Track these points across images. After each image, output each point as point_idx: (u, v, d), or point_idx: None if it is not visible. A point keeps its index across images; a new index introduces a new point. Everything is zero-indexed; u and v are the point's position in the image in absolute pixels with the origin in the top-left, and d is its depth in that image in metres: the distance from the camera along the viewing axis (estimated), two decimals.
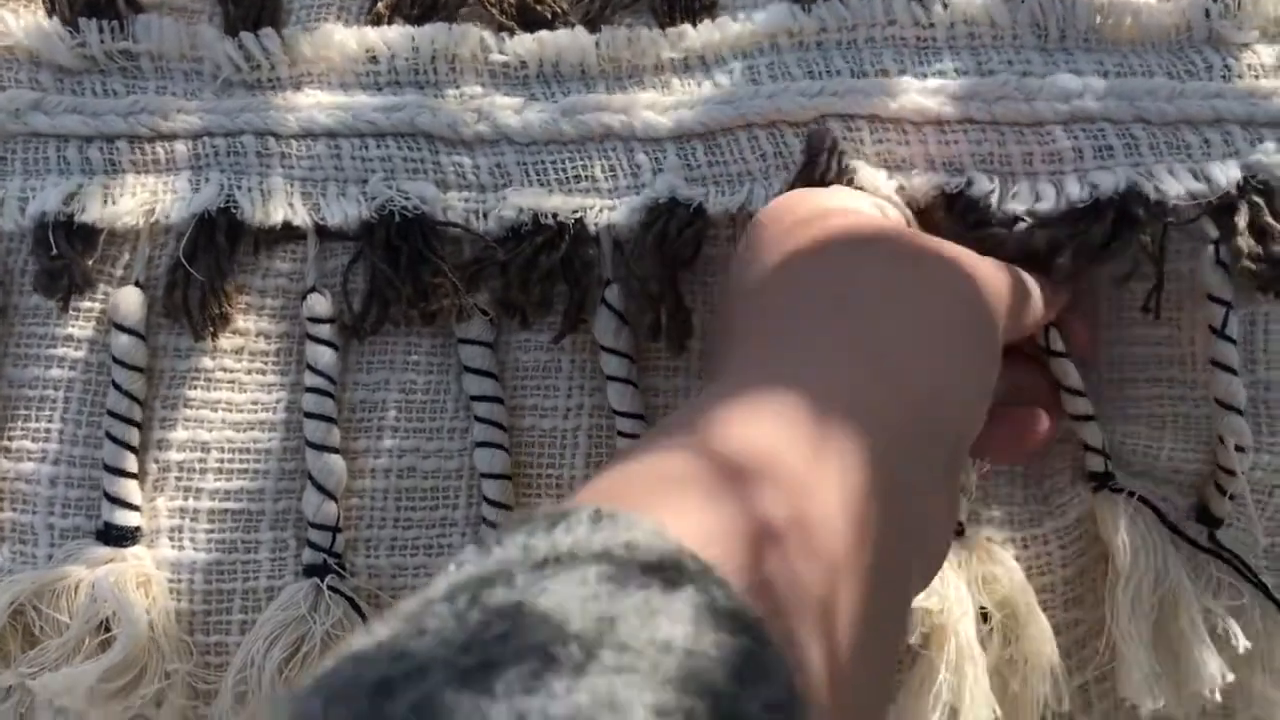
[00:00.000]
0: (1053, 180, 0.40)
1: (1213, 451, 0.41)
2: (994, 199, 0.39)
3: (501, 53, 0.42)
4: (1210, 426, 0.41)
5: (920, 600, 0.38)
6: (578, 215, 0.40)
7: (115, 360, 0.39)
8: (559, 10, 0.43)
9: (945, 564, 0.36)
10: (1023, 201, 0.39)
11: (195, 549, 0.39)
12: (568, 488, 0.40)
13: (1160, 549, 0.40)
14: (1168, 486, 0.42)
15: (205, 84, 0.42)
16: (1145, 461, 0.42)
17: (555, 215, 0.40)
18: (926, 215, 0.40)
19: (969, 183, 0.40)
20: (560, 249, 0.40)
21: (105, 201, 0.40)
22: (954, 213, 0.40)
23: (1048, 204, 0.39)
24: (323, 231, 0.40)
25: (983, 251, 0.37)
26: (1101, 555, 0.41)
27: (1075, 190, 0.40)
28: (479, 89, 0.42)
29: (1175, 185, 0.40)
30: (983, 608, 0.40)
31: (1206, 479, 0.42)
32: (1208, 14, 0.41)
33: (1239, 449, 0.40)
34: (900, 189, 0.40)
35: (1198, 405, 0.41)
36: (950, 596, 0.39)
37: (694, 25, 0.43)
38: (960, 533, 0.40)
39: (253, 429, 0.40)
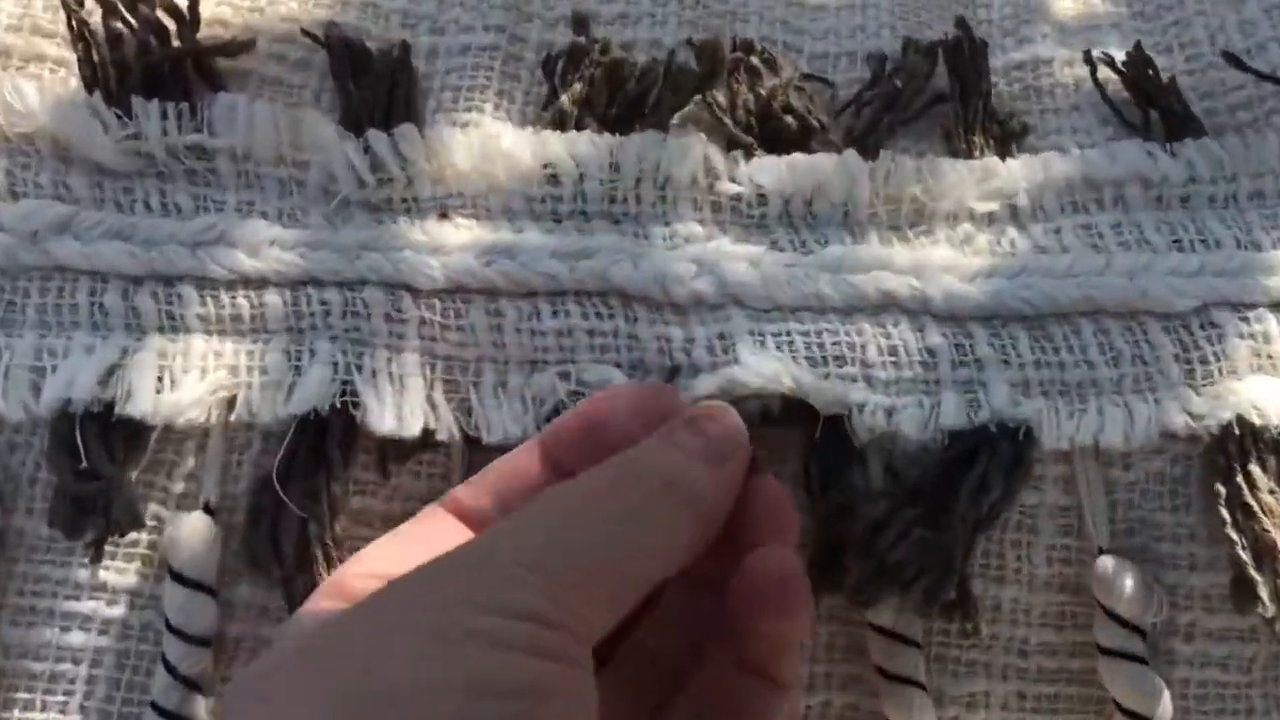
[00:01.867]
0: None
1: None
2: None
3: (733, 180, 0.30)
4: None
5: None
6: (837, 411, 0.27)
7: (169, 626, 0.26)
8: (816, 124, 0.30)
9: None
10: None
11: None
12: None
13: None
14: None
15: (311, 202, 0.29)
16: None
17: (804, 400, 0.27)
18: None
19: None
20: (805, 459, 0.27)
21: (161, 382, 0.27)
22: None
23: None
24: (476, 446, 0.27)
25: None
26: None
27: None
28: (700, 229, 0.29)
29: None
30: None
31: None
32: None
33: None
34: None
35: None
36: None
37: (1003, 158, 0.31)
38: None
39: None
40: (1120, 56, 0.32)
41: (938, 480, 0.27)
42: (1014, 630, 0.29)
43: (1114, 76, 0.32)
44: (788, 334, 0.29)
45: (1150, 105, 0.32)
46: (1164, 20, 0.34)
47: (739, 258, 0.30)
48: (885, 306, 0.29)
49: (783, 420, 0.28)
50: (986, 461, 0.28)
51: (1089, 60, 0.32)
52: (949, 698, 0.29)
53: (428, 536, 0.23)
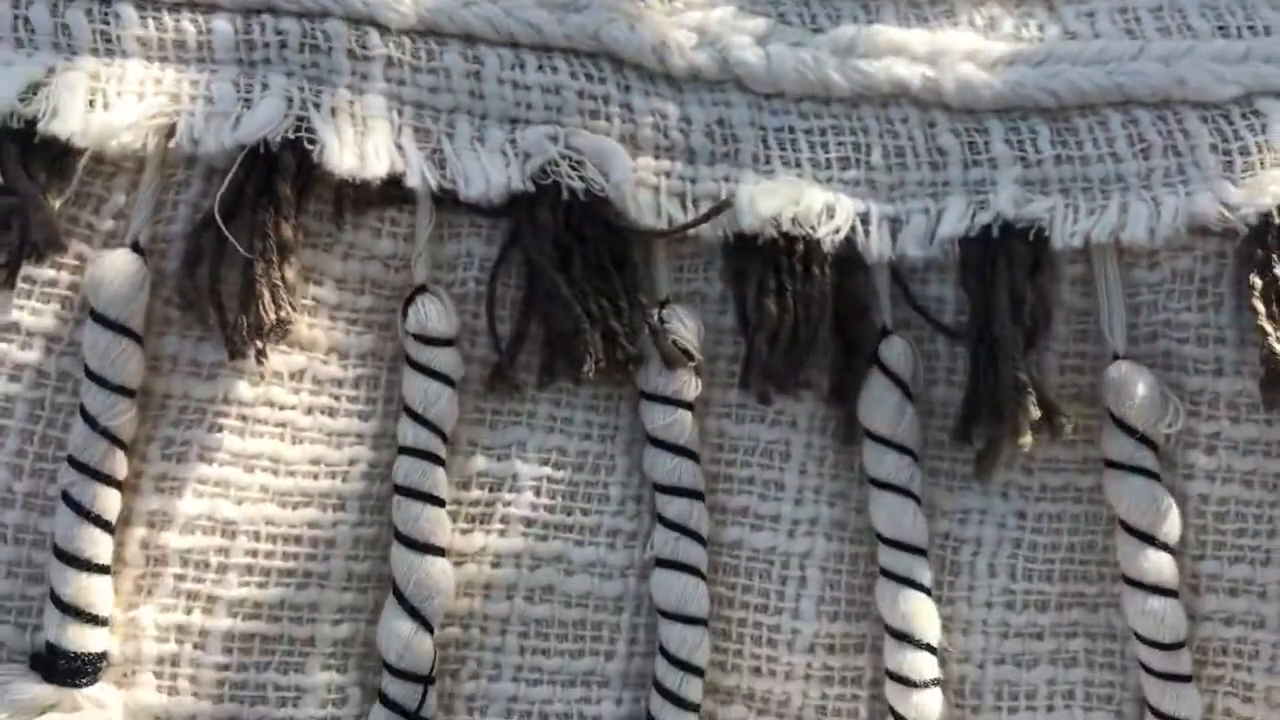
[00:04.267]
0: None
1: None
2: None
3: None
4: None
5: None
6: (843, 232, 0.25)
7: (89, 373, 0.23)
8: None
9: None
10: None
11: (199, 694, 0.24)
12: (786, 646, 0.26)
13: None
14: None
15: None
16: None
17: (813, 228, 0.25)
18: None
19: None
20: (819, 280, 0.25)
21: (92, 104, 0.24)
22: None
23: None
24: (446, 198, 0.25)
25: None
26: None
27: None
28: None
29: None
30: None
31: None
32: None
33: None
34: None
35: None
36: None
37: None
38: None
39: (309, 505, 0.25)
40: None
41: (979, 291, 0.25)
42: (1031, 451, 0.27)
43: None
44: (790, 130, 0.27)
45: None
46: None
47: (744, 31, 0.27)
48: (895, 97, 0.27)
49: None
50: (1009, 269, 0.25)
51: None
52: (940, 511, 0.27)
53: None
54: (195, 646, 0.25)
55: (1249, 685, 0.27)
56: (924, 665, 0.26)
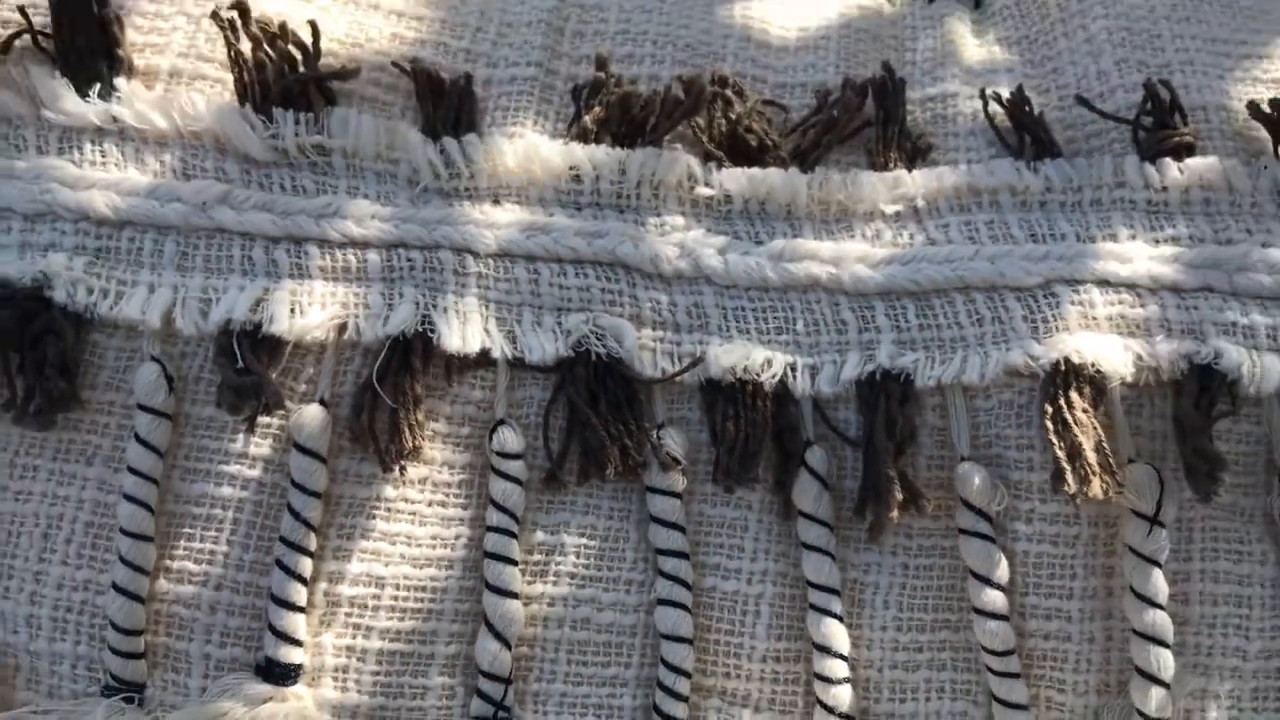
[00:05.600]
0: None
1: None
2: (1243, 372, 0.37)
3: (708, 185, 0.40)
4: None
5: None
6: (778, 377, 0.38)
7: (293, 483, 0.37)
8: (770, 142, 0.41)
9: None
10: (1271, 381, 0.37)
11: (360, 692, 0.37)
12: (745, 658, 0.38)
13: None
14: None
15: (400, 188, 0.40)
16: None
17: (759, 375, 0.38)
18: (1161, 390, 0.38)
19: (1217, 354, 0.37)
20: (762, 410, 0.38)
21: (293, 311, 0.37)
22: (1195, 394, 0.37)
23: None
24: (518, 363, 0.38)
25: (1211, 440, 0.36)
26: None
27: None
28: (681, 220, 0.40)
29: None
30: None
31: None
32: None
33: None
34: (1139, 358, 0.38)
35: None
36: None
37: (909, 168, 0.41)
38: None
39: (430, 565, 0.37)
40: (1007, 94, 0.43)
41: (870, 424, 0.38)
42: (905, 522, 0.39)
43: (1000, 110, 0.42)
44: (742, 309, 0.40)
45: (1024, 132, 0.42)
46: (1045, 68, 0.45)
47: (709, 245, 0.40)
48: (812, 287, 0.40)
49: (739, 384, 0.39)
50: (884, 405, 0.38)
51: (983, 96, 0.43)
52: (849, 564, 0.39)
53: None
54: (359, 660, 0.37)
55: (1061, 680, 0.39)
56: (839, 669, 0.38)
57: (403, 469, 0.37)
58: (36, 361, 0.36)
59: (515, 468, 0.38)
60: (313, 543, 0.37)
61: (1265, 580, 0.38)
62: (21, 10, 0.39)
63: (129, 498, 0.36)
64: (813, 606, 0.38)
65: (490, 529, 0.38)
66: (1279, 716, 0.39)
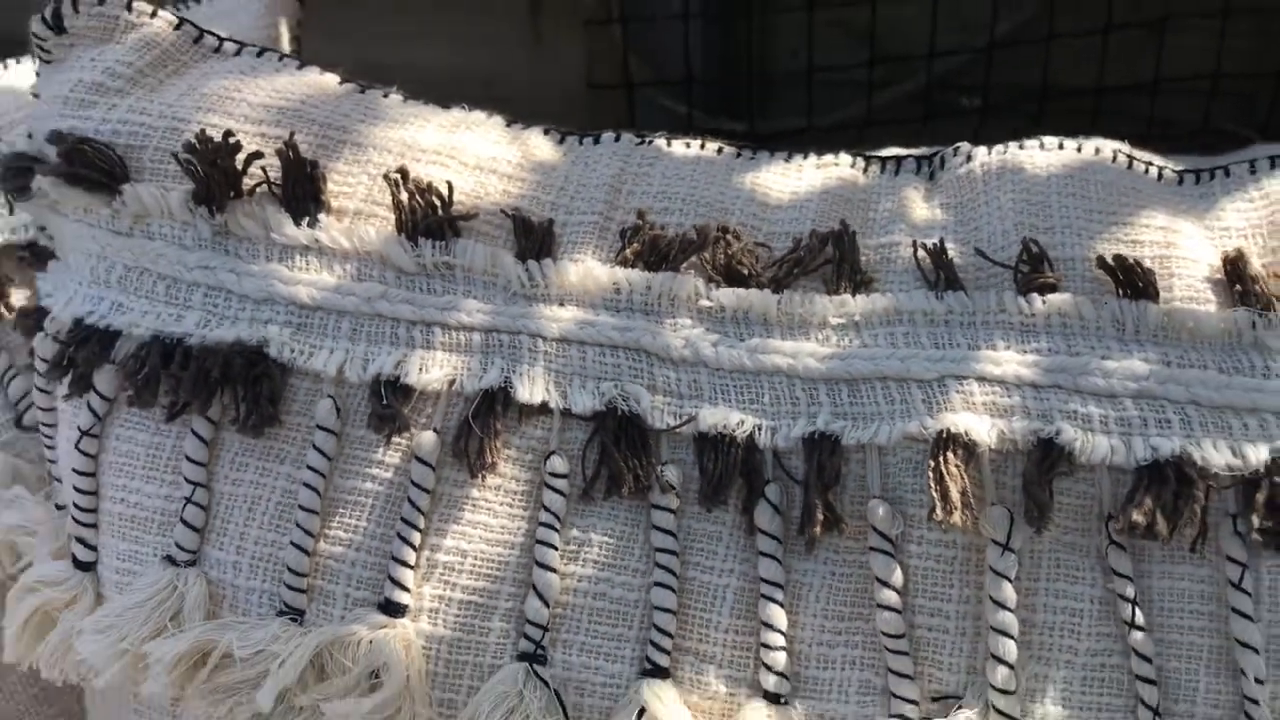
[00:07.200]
0: (1123, 440, 0.53)
1: (1239, 684, 0.52)
2: (1077, 446, 0.52)
3: (708, 299, 0.58)
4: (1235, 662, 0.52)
5: None
6: (748, 433, 0.55)
7: (412, 483, 0.54)
8: (755, 272, 0.59)
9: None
10: (1098, 454, 0.52)
11: (444, 628, 0.53)
12: (713, 629, 0.53)
13: None
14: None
15: (498, 292, 0.58)
16: (1186, 696, 0.52)
17: (734, 431, 0.55)
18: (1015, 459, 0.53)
19: (1058, 432, 0.53)
20: (735, 455, 0.54)
21: (421, 370, 0.56)
22: (1039, 460, 0.53)
23: (1119, 458, 0.52)
24: (567, 413, 0.56)
25: (1053, 503, 0.51)
26: None
27: (1140, 450, 0.52)
28: (688, 322, 0.58)
29: (1217, 457, 0.52)
30: None
31: (1238, 709, 0.52)
32: (1253, 325, 0.55)
33: (1258, 681, 0.51)
34: (1001, 433, 0.53)
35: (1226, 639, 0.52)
36: None
37: (854, 295, 0.58)
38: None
39: (499, 546, 0.54)
40: (932, 244, 0.59)
41: (807, 465, 0.54)
42: (831, 539, 0.54)
43: (926, 255, 0.59)
44: (726, 386, 0.56)
45: (940, 271, 0.58)
46: (969, 226, 0.60)
47: (706, 340, 0.57)
48: (775, 373, 0.57)
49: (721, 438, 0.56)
50: (819, 456, 0.54)
51: (914, 246, 0.59)
52: (791, 568, 0.55)
53: None
54: (445, 606, 0.53)
55: (939, 660, 0.52)
56: (779, 640, 0.51)
57: (484, 478, 0.54)
58: (255, 394, 0.55)
59: (561, 484, 0.54)
60: (422, 523, 0.54)
61: (1093, 598, 0.53)
62: (263, 169, 0.60)
63: (307, 485, 0.55)
64: (763, 596, 0.53)
65: (541, 524, 0.53)
66: (1101, 699, 0.52)
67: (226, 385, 0.55)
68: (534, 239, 0.59)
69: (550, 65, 1.17)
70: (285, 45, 0.86)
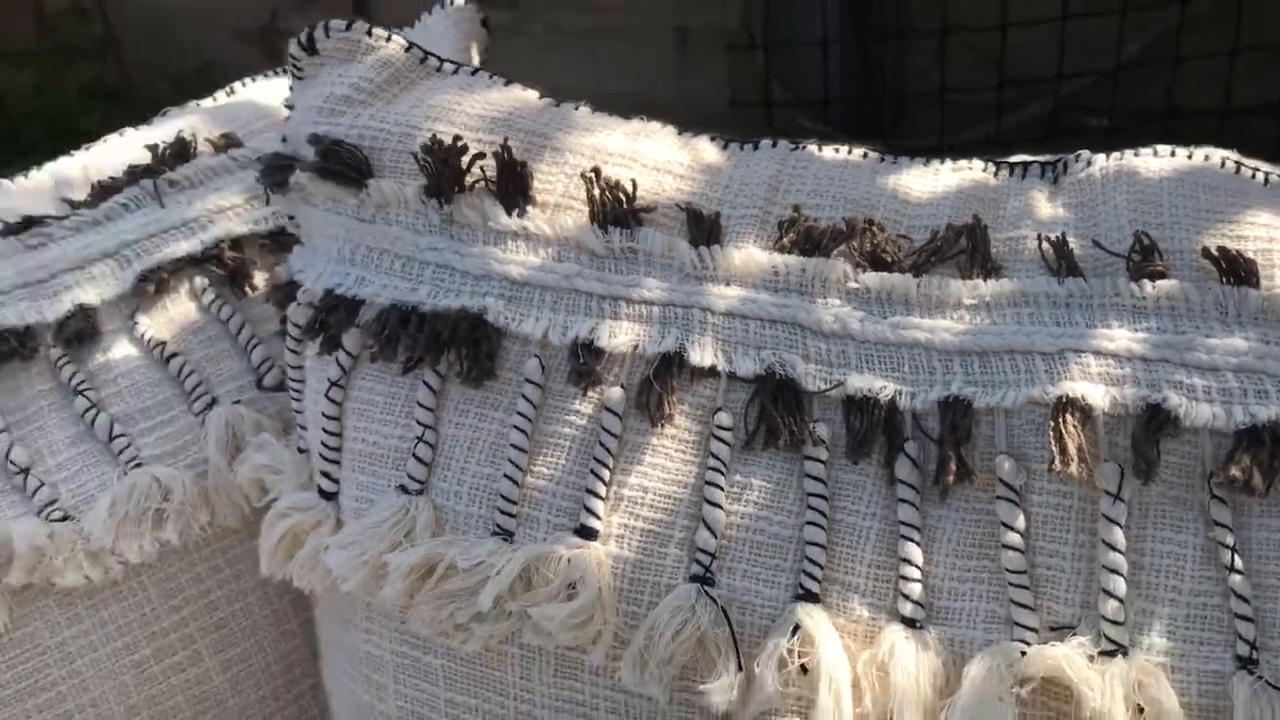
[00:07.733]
0: (1224, 407, 0.60)
1: None
2: (1182, 411, 0.60)
3: (855, 281, 0.67)
4: None
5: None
6: (890, 397, 0.64)
7: (603, 429, 0.64)
8: (897, 259, 0.68)
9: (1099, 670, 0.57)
10: (1201, 419, 0.60)
11: (629, 551, 0.62)
12: (857, 563, 0.62)
13: None
14: None
15: (673, 273, 0.69)
16: None
17: (878, 395, 0.64)
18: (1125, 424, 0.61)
19: (1165, 398, 0.60)
20: (878, 415, 0.63)
21: (610, 336, 0.66)
22: (1145, 422, 0.60)
23: (1220, 423, 0.59)
24: (732, 376, 0.66)
25: (1159, 460, 0.58)
26: None
27: (1240, 416, 0.60)
28: (837, 301, 0.67)
29: None
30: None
31: None
32: None
33: None
34: (1114, 399, 0.61)
35: None
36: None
37: (984, 280, 0.67)
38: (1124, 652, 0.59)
39: (674, 485, 0.63)
40: (1055, 237, 0.67)
41: (943, 422, 0.63)
42: (963, 489, 0.63)
43: (1049, 247, 0.67)
44: (870, 356, 0.65)
45: (1061, 260, 0.66)
46: (1088, 223, 0.68)
47: (854, 316, 0.67)
48: (914, 345, 0.65)
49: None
50: (952, 417, 0.63)
51: (1039, 239, 0.67)
52: (927, 514, 0.63)
53: None
54: (630, 533, 0.63)
55: (1056, 595, 0.60)
56: (915, 573, 0.61)
57: (663, 427, 0.64)
58: (475, 353, 0.67)
59: (726, 435, 0.63)
60: (611, 463, 0.63)
61: (1195, 545, 0.60)
62: (481, 169, 0.71)
63: (516, 428, 0.65)
64: (902, 536, 0.61)
65: (709, 469, 0.62)
66: (1203, 634, 0.59)
67: (452, 345, 0.66)
68: (704, 228, 0.69)
69: (695, 88, 1.28)
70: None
